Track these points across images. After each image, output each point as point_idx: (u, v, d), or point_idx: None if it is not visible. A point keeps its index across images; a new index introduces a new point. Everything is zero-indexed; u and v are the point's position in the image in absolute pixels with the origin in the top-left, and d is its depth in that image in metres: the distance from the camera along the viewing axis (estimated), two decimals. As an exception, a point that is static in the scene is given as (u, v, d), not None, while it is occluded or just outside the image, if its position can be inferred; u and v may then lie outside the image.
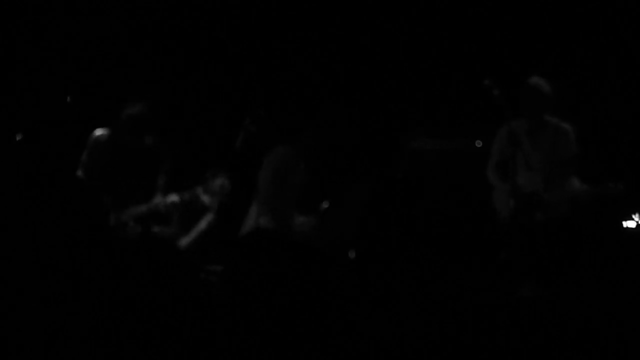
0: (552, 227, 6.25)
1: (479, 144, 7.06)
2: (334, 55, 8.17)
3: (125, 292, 5.91)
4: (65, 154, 7.09)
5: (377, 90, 8.02)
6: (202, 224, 6.92)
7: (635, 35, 7.79)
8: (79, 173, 6.62)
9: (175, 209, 6.66)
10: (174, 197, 6.68)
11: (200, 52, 8.38)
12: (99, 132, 6.74)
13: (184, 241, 6.89)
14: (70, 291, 5.71)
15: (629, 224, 6.59)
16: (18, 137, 5.61)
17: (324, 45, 8.19)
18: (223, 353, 5.52)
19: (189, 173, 7.82)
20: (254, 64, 8.35)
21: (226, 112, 7.84)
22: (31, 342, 5.30)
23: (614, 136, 7.74)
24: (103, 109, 7.80)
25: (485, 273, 6.06)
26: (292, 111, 6.74)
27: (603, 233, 6.77)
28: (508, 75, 6.57)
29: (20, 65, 7.83)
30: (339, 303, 5.64)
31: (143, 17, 8.26)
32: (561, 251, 6.21)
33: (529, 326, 5.75)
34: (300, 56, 8.21)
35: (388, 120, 7.79)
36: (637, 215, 6.55)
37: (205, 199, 6.93)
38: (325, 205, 6.35)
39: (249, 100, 7.89)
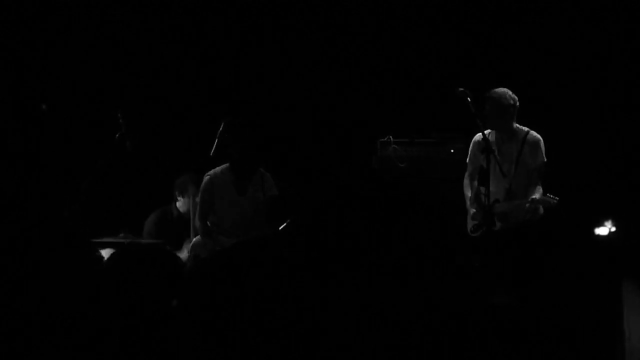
0: (513, 234, 6.30)
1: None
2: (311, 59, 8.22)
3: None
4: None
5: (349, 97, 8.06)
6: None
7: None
8: None
9: None
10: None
11: (200, 52, 8.45)
12: None
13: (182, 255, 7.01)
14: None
15: (601, 230, 6.61)
16: None
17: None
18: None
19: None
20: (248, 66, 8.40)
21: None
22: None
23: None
24: (101, 109, 7.95)
25: (456, 281, 6.10)
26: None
27: (574, 240, 6.78)
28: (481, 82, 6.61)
29: (17, 66, 7.94)
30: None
31: (143, 17, 8.33)
32: (529, 258, 6.24)
33: (501, 334, 5.81)
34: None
35: (359, 129, 7.84)
36: (609, 222, 6.57)
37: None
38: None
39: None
